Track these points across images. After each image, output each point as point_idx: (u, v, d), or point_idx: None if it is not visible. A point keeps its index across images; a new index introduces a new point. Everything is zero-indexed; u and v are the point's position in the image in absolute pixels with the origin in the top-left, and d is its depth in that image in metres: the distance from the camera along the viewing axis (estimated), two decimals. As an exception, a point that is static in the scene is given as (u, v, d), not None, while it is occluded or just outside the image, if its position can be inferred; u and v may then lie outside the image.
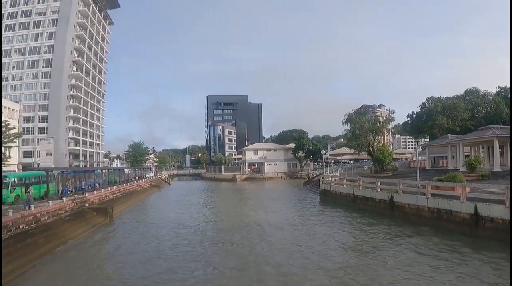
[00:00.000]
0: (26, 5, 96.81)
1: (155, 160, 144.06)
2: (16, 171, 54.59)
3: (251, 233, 25.88)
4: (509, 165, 42.29)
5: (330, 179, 46.44)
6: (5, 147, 31.04)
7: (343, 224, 28.81)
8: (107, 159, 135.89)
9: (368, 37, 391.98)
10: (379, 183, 32.94)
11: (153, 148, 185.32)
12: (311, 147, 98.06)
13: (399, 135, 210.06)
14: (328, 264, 17.30)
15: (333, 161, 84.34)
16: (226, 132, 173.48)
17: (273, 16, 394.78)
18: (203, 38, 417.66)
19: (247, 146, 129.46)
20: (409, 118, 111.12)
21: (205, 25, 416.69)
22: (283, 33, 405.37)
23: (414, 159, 74.48)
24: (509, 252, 15.61)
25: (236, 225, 29.66)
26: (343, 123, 63.67)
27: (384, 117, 76.56)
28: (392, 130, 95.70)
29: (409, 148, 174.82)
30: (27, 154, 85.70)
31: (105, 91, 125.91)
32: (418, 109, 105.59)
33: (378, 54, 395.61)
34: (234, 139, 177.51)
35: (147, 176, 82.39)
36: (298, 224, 29.53)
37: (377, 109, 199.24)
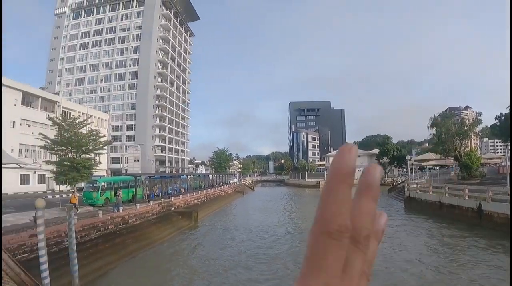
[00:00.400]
0: (110, 22, 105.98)
1: (239, 166, 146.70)
2: (106, 176, 58.47)
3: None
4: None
5: (415, 185, 44.51)
6: (95, 153, 32.94)
7: (425, 233, 26.94)
8: (192, 165, 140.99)
9: (455, 36, 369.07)
10: (466, 190, 30.76)
11: (237, 154, 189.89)
12: (396, 153, 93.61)
13: (487, 139, 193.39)
14: (404, 276, 16.36)
15: (418, 167, 79.80)
16: (309, 139, 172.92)
17: (355, 19, 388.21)
18: (285, 45, 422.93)
19: (330, 152, 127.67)
20: (497, 121, 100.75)
21: (286, 31, 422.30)
22: (365, 36, 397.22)
23: (503, 164, 67.47)
24: None
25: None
26: (428, 127, 60.09)
27: (471, 120, 70.75)
28: (480, 134, 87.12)
29: (498, 153, 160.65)
30: (115, 160, 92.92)
31: (189, 100, 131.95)
32: (507, 111, 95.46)
33: (464, 54, 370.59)
34: (318, 145, 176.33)
35: (231, 181, 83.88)
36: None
37: (463, 111, 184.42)
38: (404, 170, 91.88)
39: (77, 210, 25.03)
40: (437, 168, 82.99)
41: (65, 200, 26.94)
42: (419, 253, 20.69)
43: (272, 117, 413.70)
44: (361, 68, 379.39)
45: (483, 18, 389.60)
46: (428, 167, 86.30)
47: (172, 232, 28.34)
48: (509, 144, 40.83)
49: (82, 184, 34.67)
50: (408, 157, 62.61)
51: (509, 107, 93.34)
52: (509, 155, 40.86)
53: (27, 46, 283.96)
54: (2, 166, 23.43)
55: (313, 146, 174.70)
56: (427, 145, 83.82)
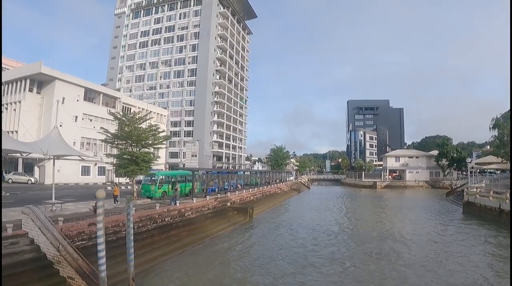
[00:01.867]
0: (169, 21, 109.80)
1: (296, 164, 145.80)
2: (164, 170, 60.23)
3: (385, 245, 23.97)
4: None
5: (475, 190, 42.17)
6: (155, 148, 33.73)
7: (480, 242, 24.99)
8: (249, 162, 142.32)
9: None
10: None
11: (294, 152, 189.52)
12: (455, 155, 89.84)
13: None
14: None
15: (478, 170, 75.77)
16: (367, 138, 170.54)
17: (414, 15, 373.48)
18: (344, 43, 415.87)
19: (388, 152, 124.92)
20: None
21: (345, 29, 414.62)
22: (426, 33, 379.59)
23: None
24: None
25: (374, 235, 27.78)
26: (489, 128, 56.27)
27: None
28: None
29: None
30: (173, 155, 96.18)
31: (247, 97, 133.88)
32: None
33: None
34: (375, 145, 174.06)
35: (287, 179, 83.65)
36: (434, 239, 26.42)
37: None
38: (464, 173, 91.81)
39: (117, 202, 25.77)
40: (498, 172, 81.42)
41: (124, 192, 27.81)
42: (467, 262, 19.39)
43: (330, 115, 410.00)
44: (422, 66, 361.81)
45: None
46: (489, 170, 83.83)
47: (226, 227, 28.51)
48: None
49: (141, 177, 35.89)
50: (468, 160, 60.93)
51: None
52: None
53: (89, 45, 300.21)
54: (66, 157, 24.60)
55: (371, 145, 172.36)
56: (488, 147, 79.27)
